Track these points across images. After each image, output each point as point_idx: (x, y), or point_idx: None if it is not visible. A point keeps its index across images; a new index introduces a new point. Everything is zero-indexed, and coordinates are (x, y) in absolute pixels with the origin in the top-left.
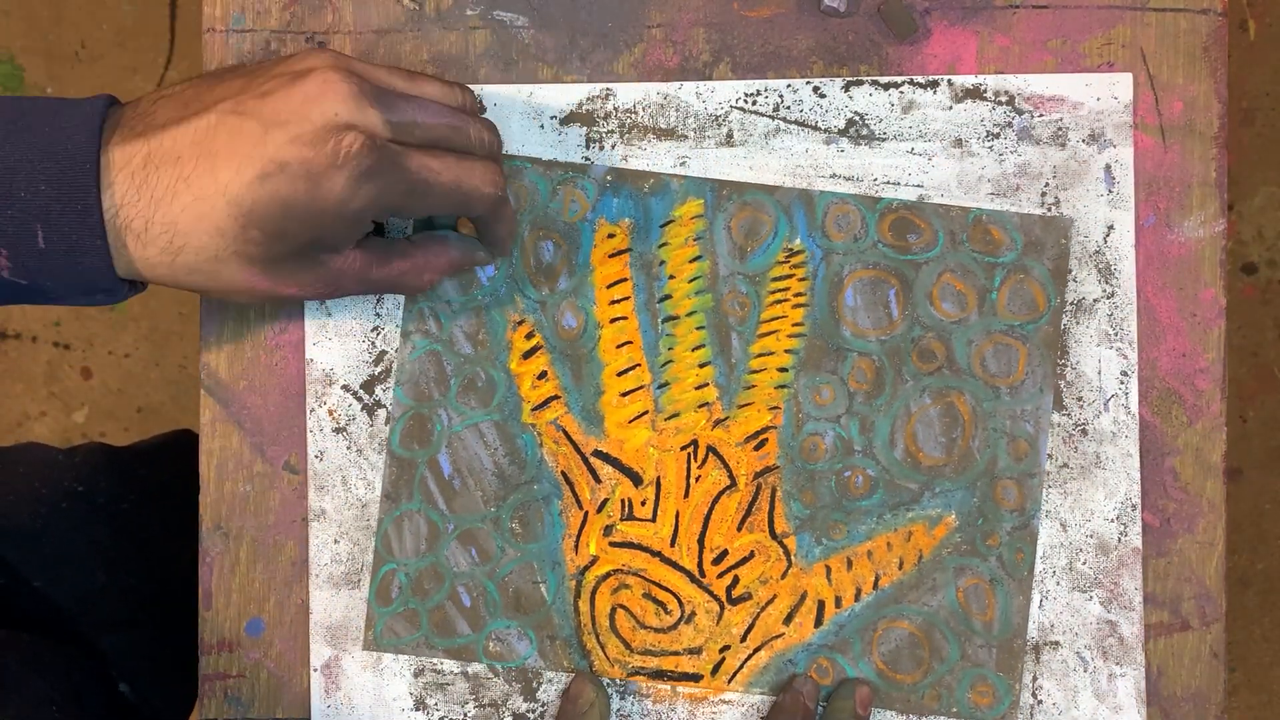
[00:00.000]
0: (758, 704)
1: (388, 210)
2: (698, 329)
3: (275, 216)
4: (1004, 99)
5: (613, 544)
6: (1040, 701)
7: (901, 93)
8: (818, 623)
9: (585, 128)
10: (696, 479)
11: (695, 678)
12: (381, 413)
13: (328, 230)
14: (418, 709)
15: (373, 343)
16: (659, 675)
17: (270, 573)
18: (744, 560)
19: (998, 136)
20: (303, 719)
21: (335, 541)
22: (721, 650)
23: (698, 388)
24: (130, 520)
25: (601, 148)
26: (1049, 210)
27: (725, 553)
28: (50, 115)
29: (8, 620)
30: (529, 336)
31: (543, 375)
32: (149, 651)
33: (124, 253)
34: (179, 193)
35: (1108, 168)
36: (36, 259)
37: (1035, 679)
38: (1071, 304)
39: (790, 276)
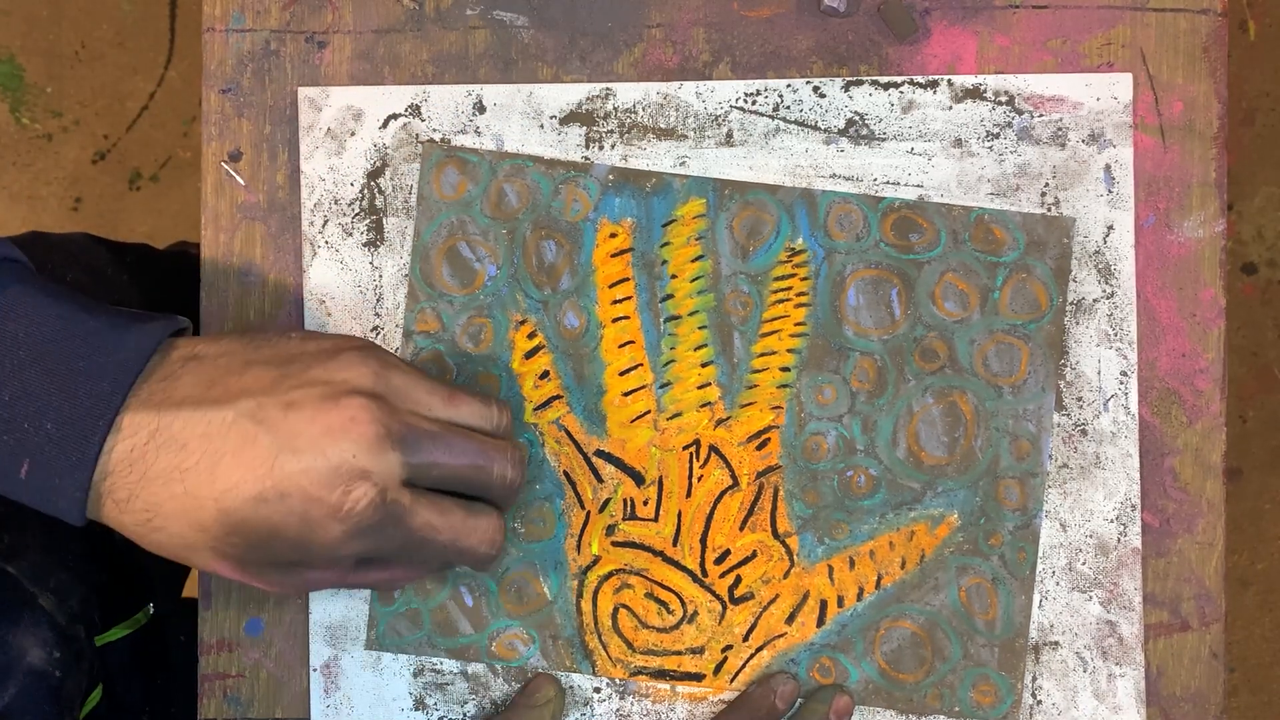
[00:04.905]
0: None
1: (376, 555)
2: (700, 328)
3: (262, 535)
4: (1004, 99)
5: (615, 544)
6: (1040, 702)
7: (901, 93)
8: (820, 622)
9: (585, 127)
10: (699, 479)
11: (698, 677)
12: None
13: (311, 561)
14: (417, 709)
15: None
16: (661, 675)
17: None
18: (746, 560)
19: (997, 136)
20: (302, 719)
21: None
22: (724, 650)
23: (700, 387)
24: None
25: (601, 147)
26: (1049, 210)
27: (727, 552)
28: (90, 342)
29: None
30: (531, 336)
31: (545, 375)
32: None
33: (98, 509)
34: (172, 481)
35: (1107, 168)
36: (10, 484)
37: (1035, 679)
38: (1071, 304)
39: (792, 276)
